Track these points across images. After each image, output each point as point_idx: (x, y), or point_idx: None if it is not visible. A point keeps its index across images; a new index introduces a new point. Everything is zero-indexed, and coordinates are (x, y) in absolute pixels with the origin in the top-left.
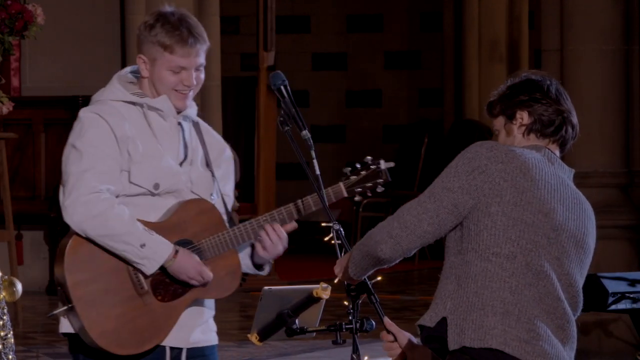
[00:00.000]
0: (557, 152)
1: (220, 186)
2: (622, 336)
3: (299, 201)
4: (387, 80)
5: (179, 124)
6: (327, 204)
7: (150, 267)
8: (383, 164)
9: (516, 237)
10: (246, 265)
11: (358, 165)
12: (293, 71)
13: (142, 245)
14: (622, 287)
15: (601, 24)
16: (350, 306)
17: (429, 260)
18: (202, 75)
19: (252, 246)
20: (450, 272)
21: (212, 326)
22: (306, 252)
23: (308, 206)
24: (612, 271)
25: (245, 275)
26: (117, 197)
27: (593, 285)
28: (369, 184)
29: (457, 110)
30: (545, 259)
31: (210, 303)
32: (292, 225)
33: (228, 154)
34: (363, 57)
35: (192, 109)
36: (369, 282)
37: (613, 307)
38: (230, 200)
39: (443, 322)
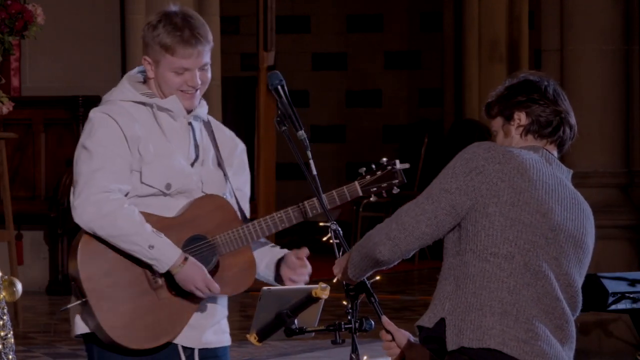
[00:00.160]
0: (555, 153)
1: (233, 183)
2: (622, 336)
3: (314, 199)
4: (387, 80)
5: (190, 124)
6: (342, 203)
7: (162, 268)
8: (398, 165)
9: (514, 237)
10: (265, 279)
11: (373, 166)
12: (293, 71)
13: (151, 247)
14: (622, 287)
15: (601, 24)
16: (349, 306)
17: (429, 260)
18: (209, 74)
19: (276, 265)
20: (448, 273)
21: (225, 327)
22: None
23: (332, 200)
24: (612, 271)
25: None
26: (127, 197)
27: (593, 285)
28: (384, 184)
29: (457, 110)
30: (544, 259)
31: (223, 303)
32: (305, 251)
33: (241, 148)
34: (363, 57)
35: (202, 109)
36: (367, 282)
37: (613, 307)
38: (245, 196)
39: (441, 322)
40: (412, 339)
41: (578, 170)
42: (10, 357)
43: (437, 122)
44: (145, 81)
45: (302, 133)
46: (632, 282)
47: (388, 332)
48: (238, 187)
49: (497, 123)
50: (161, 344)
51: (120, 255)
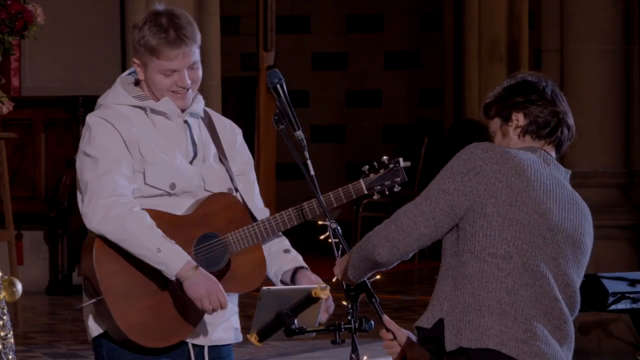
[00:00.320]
0: (553, 153)
1: (236, 173)
2: (622, 336)
3: (320, 197)
4: (387, 80)
5: (185, 122)
6: (348, 200)
7: (169, 273)
8: (402, 163)
9: (512, 237)
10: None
11: (376, 164)
12: (293, 71)
13: (159, 250)
14: (622, 287)
15: (601, 24)
16: (349, 306)
17: (429, 260)
18: (199, 72)
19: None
20: (446, 274)
21: (235, 323)
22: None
23: (330, 202)
24: (612, 271)
25: None
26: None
27: (593, 285)
28: (388, 182)
29: (457, 110)
30: (542, 259)
31: (233, 301)
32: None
33: (240, 141)
34: (363, 57)
35: (197, 104)
36: (368, 282)
37: (613, 307)
38: (251, 182)
39: (440, 323)
40: (413, 338)
41: (578, 170)
42: (10, 357)
43: (437, 122)
44: (138, 82)
45: (299, 133)
46: (632, 282)
47: (389, 331)
48: (242, 172)
49: (495, 124)
50: (175, 343)
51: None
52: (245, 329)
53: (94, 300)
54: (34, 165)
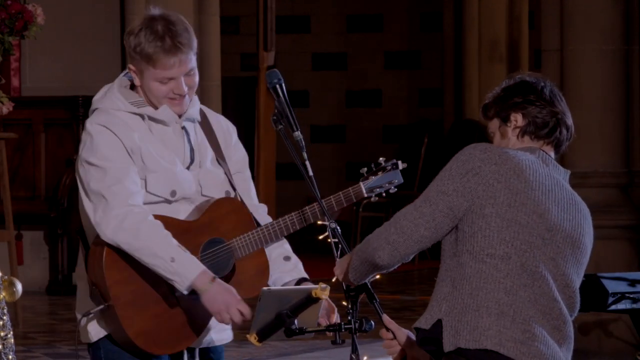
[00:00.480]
0: (552, 154)
1: (233, 174)
2: (622, 336)
3: (319, 197)
4: (387, 80)
5: (183, 127)
6: (349, 204)
7: (182, 284)
8: (400, 165)
9: (510, 238)
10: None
11: (374, 166)
12: (293, 71)
13: (172, 260)
14: (622, 287)
15: (601, 24)
16: (350, 306)
17: (429, 260)
18: (196, 78)
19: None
20: (445, 275)
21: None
22: (304, 252)
23: (331, 206)
24: (612, 271)
25: None
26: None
27: (593, 285)
28: (386, 184)
29: (457, 110)
30: (541, 259)
31: None
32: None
33: (236, 138)
34: (363, 57)
35: (193, 108)
36: (368, 282)
37: (613, 307)
38: (247, 180)
39: (438, 324)
40: (413, 337)
41: (578, 170)
42: (10, 357)
43: (437, 122)
44: (134, 86)
45: (298, 134)
46: (632, 282)
47: (389, 330)
48: (238, 170)
49: (494, 124)
50: (181, 350)
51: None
52: (245, 329)
53: (102, 307)
54: (34, 165)
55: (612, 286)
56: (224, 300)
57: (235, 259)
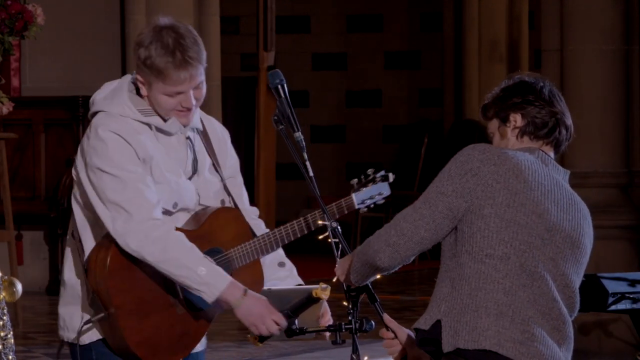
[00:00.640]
0: (552, 154)
1: (227, 179)
2: (622, 336)
3: (317, 212)
4: (387, 80)
5: (188, 138)
6: (341, 215)
7: (211, 294)
8: (391, 177)
9: (509, 238)
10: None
11: (363, 178)
12: (293, 71)
13: (202, 271)
14: (622, 287)
15: (601, 24)
16: (350, 306)
17: (429, 260)
18: (203, 90)
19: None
20: (445, 276)
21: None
22: (303, 252)
23: (332, 213)
24: (612, 271)
25: None
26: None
27: (593, 285)
28: (376, 196)
29: (457, 110)
30: (540, 259)
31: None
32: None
33: (229, 143)
34: (363, 57)
35: (195, 117)
36: (369, 283)
37: (613, 307)
38: (240, 185)
39: (437, 324)
40: (414, 336)
41: (578, 170)
42: (10, 357)
43: (437, 122)
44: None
45: (299, 134)
46: (632, 282)
47: (389, 329)
48: (231, 175)
49: (494, 125)
50: (180, 359)
51: (146, 268)
52: (245, 330)
53: (102, 315)
54: (34, 166)
55: (612, 286)
56: (259, 313)
57: (232, 269)
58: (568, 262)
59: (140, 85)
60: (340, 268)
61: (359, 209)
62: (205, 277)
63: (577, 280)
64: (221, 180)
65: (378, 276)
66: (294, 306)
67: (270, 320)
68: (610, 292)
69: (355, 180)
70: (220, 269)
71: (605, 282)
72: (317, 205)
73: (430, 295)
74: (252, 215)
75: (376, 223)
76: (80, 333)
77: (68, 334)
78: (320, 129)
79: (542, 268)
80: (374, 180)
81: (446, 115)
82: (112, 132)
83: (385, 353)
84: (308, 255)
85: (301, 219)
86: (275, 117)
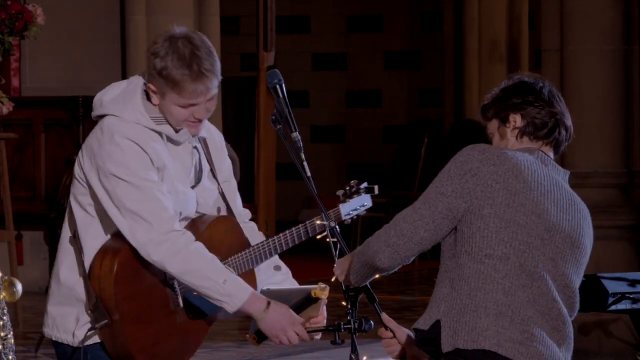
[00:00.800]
0: (551, 154)
1: (222, 182)
2: (622, 336)
3: (309, 223)
4: (387, 80)
5: (195, 147)
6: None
7: (233, 305)
8: (376, 190)
9: (509, 238)
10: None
11: (348, 189)
12: (293, 71)
13: (225, 282)
14: (622, 287)
15: (601, 24)
16: (349, 306)
17: (429, 260)
18: (215, 101)
19: None
20: (444, 276)
21: None
22: (303, 252)
23: (313, 229)
24: (612, 271)
25: None
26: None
27: (593, 285)
28: (360, 207)
29: (457, 110)
30: (539, 260)
31: None
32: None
33: (224, 148)
34: (363, 57)
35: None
36: (368, 283)
37: (613, 307)
38: (234, 188)
39: (437, 324)
40: (413, 335)
41: (578, 171)
42: (10, 357)
43: (437, 122)
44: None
45: (296, 135)
46: (632, 283)
47: (388, 329)
48: (226, 179)
49: (493, 125)
50: None
51: (151, 277)
52: (245, 330)
53: (106, 321)
54: (34, 166)
55: (612, 286)
56: (281, 326)
57: None
58: (568, 262)
59: (151, 93)
60: (339, 268)
61: (344, 220)
62: (228, 289)
63: (577, 281)
64: (218, 185)
65: (377, 275)
66: (293, 306)
67: (292, 332)
68: (610, 292)
69: (341, 191)
70: (241, 280)
71: (605, 282)
72: (317, 205)
73: (430, 295)
74: (244, 218)
75: (376, 223)
76: (86, 338)
77: (57, 334)
78: (320, 129)
79: (541, 268)
80: (358, 192)
81: (446, 115)
82: (129, 140)
83: (384, 353)
84: (306, 255)
85: (293, 229)
86: (273, 117)
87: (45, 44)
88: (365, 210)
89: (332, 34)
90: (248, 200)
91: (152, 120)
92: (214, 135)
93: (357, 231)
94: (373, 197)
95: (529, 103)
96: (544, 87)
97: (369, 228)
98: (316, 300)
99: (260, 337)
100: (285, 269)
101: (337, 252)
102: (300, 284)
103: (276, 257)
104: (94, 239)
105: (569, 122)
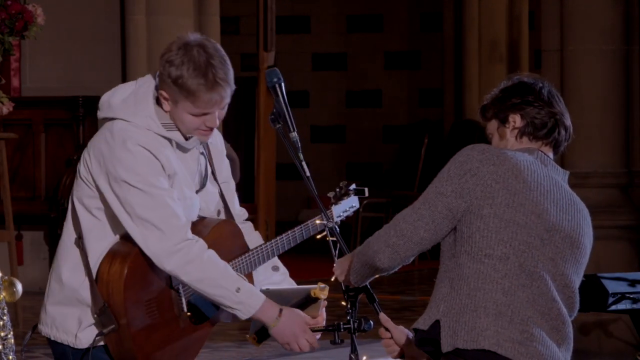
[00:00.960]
0: (551, 154)
1: (221, 183)
2: (622, 336)
3: (303, 226)
4: (387, 80)
5: (202, 154)
6: (322, 228)
7: (246, 312)
8: (366, 192)
9: (509, 238)
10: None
11: (339, 191)
12: (293, 71)
13: (238, 290)
14: (622, 287)
15: (601, 24)
16: (349, 306)
17: (429, 260)
18: (226, 109)
19: None
20: (444, 276)
21: None
22: (302, 252)
23: (308, 231)
24: (612, 271)
25: None
26: None
27: (593, 285)
28: (349, 209)
29: (457, 110)
30: (539, 260)
31: None
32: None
33: (223, 149)
34: (363, 57)
35: None
36: (368, 283)
37: (613, 307)
38: (232, 189)
39: (436, 324)
40: (411, 335)
41: (578, 171)
42: (10, 357)
43: (437, 122)
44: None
45: (294, 135)
46: (632, 283)
47: (386, 329)
48: (225, 180)
49: (493, 126)
50: None
51: (158, 282)
52: (245, 330)
53: (113, 326)
54: (34, 166)
55: (612, 286)
56: (293, 333)
57: None
58: (567, 262)
59: (163, 101)
60: (339, 268)
61: (336, 221)
62: (241, 297)
63: (576, 280)
64: (218, 187)
65: (376, 275)
66: (293, 306)
67: (303, 340)
68: (610, 292)
69: (332, 193)
70: (254, 288)
71: (605, 282)
72: (317, 205)
73: (430, 295)
74: (241, 218)
75: (376, 223)
76: (94, 342)
77: (57, 334)
78: (320, 129)
79: (541, 268)
80: (347, 194)
81: (446, 115)
82: (141, 146)
83: (384, 353)
84: (306, 255)
85: (289, 231)
86: (272, 116)
87: (45, 44)
88: (353, 211)
89: (332, 34)
90: (248, 200)
91: (162, 127)
92: (215, 137)
93: (357, 231)
94: (373, 197)
95: (529, 103)
96: (543, 87)
97: (369, 228)
98: (316, 300)
99: (261, 337)
100: (283, 269)
101: (337, 252)
102: (300, 284)
103: (274, 257)
104: (99, 241)
105: (568, 122)
